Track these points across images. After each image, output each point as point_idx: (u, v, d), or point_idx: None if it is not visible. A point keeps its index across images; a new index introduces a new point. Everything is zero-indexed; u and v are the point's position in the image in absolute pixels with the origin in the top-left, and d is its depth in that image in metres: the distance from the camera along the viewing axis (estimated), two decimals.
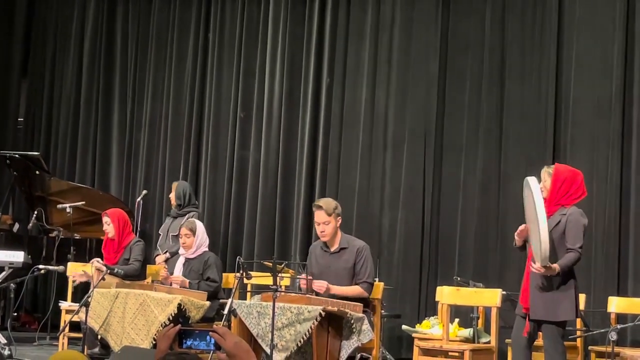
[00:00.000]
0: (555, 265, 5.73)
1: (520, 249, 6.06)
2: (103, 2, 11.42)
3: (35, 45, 11.97)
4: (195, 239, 7.64)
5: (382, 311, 7.27)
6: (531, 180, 5.78)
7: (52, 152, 11.62)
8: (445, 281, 7.88)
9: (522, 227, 5.92)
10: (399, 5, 9.33)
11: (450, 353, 6.47)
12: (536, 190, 5.68)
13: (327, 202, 6.62)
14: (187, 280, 7.45)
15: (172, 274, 7.68)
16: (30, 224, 9.97)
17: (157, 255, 8.92)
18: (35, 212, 9.89)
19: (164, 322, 6.69)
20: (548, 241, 5.61)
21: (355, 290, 6.45)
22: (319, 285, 6.35)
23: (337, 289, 6.38)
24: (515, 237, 6.03)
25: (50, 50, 11.83)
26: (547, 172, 6.01)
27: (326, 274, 6.52)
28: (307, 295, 6.22)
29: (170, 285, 7.41)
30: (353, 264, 6.51)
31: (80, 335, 7.10)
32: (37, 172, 10.11)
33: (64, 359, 3.07)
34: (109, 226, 8.04)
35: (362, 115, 9.38)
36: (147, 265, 8.45)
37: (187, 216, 9.05)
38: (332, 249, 6.59)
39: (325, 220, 6.52)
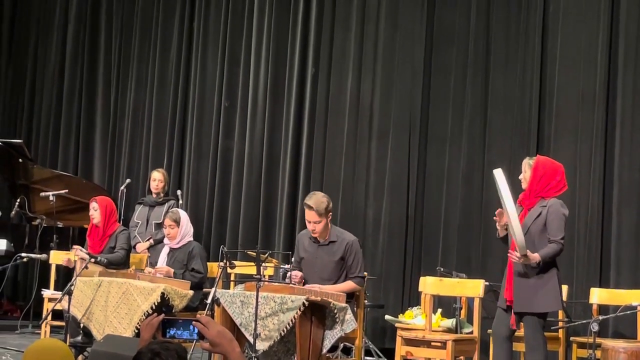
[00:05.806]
0: (535, 255, 5.74)
1: (502, 240, 6.06)
2: None
3: (19, 32, 11.89)
4: (179, 229, 7.61)
5: (366, 301, 7.28)
6: (497, 172, 5.75)
7: (35, 139, 11.57)
8: (429, 271, 7.89)
9: (498, 210, 5.92)
10: None
11: (432, 343, 6.47)
12: (501, 181, 5.67)
13: (318, 203, 6.41)
14: (172, 270, 7.43)
15: (156, 263, 7.67)
16: (13, 212, 9.93)
17: (138, 243, 8.89)
18: (18, 200, 9.85)
19: (147, 311, 6.67)
20: (521, 230, 5.62)
21: (350, 285, 6.44)
22: (295, 275, 6.39)
23: (329, 289, 6.29)
24: (497, 227, 6.03)
25: (33, 37, 11.76)
26: (528, 163, 6.03)
27: (312, 263, 6.51)
28: (291, 285, 6.21)
29: (155, 275, 7.39)
30: (340, 258, 6.48)
31: (63, 323, 7.08)
32: (20, 160, 10.06)
33: (44, 348, 3.06)
34: (95, 212, 8.02)
35: (347, 105, 9.36)
36: (131, 254, 8.43)
37: (167, 205, 9.02)
38: (322, 241, 6.57)
39: (316, 220, 6.45)
